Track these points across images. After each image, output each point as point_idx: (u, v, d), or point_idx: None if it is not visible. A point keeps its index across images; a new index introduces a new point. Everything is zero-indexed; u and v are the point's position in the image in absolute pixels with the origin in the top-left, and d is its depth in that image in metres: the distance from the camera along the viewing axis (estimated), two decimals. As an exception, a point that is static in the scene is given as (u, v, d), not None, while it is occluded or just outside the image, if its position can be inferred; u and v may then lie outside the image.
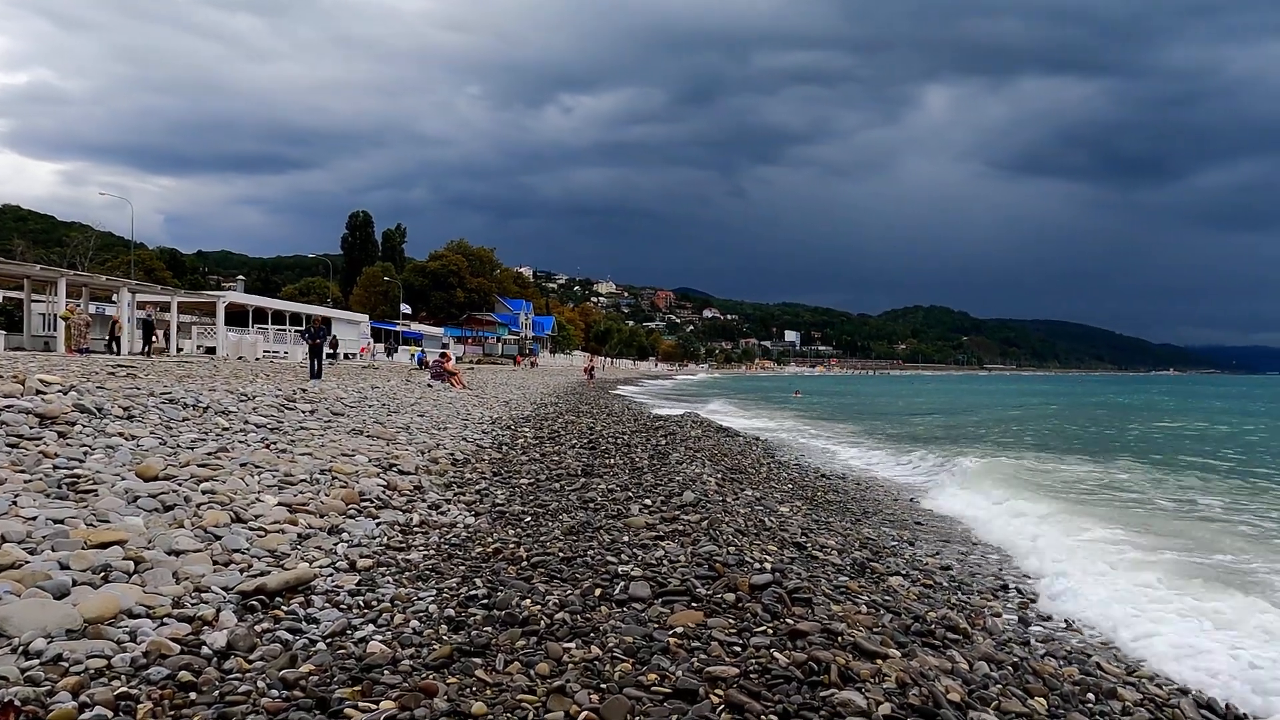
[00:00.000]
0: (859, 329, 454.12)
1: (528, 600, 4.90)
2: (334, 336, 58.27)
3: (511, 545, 6.54)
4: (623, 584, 5.19)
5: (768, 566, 5.68)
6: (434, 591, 5.31)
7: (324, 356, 25.82)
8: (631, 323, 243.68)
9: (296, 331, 49.46)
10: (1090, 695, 4.96)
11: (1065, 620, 7.12)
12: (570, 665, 3.94)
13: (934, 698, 3.50)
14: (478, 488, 9.59)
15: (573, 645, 4.19)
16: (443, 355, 33.73)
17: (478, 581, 5.48)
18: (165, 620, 4.36)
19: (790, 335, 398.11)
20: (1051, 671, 5.24)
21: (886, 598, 6.26)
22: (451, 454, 11.79)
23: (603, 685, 3.71)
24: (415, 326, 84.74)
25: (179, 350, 42.43)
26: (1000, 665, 5.02)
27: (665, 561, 5.76)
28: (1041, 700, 4.53)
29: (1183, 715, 5.04)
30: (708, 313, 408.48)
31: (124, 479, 6.74)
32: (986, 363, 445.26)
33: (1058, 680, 5.06)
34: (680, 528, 6.97)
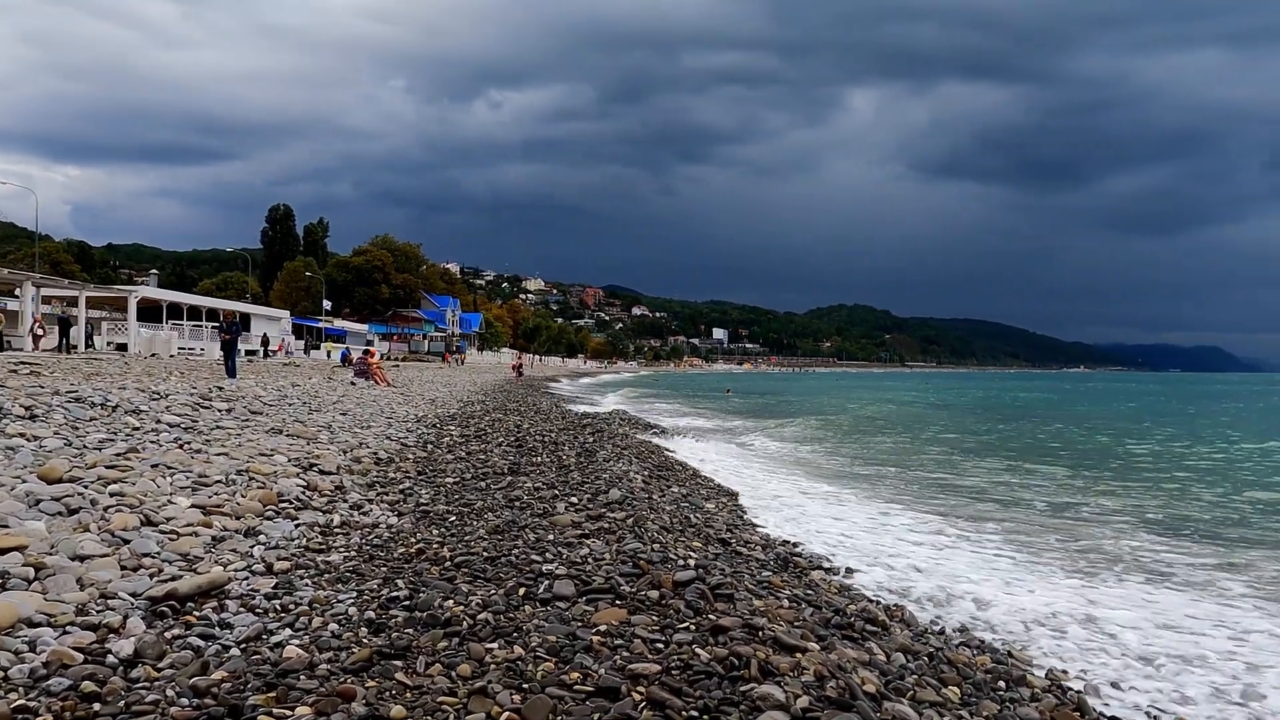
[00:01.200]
0: (785, 327, 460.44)
1: (450, 601, 4.85)
2: (265, 334, 56.76)
3: (435, 545, 6.46)
4: (547, 583, 5.17)
5: (692, 563, 5.72)
6: (354, 593, 5.21)
7: (239, 353, 25.03)
8: (560, 320, 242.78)
9: (212, 327, 48.01)
10: (1001, 683, 5.12)
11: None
12: (492, 666, 3.91)
13: (850, 689, 3.57)
14: (401, 487, 9.45)
15: (495, 645, 4.16)
16: (366, 352, 33.12)
17: (400, 583, 5.39)
18: (68, 629, 4.19)
19: (718, 333, 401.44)
20: (965, 661, 5.39)
21: (809, 592, 6.36)
22: (375, 453, 11.59)
23: (525, 685, 3.69)
24: (338, 323, 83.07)
25: (89, 347, 40.80)
26: (916, 656, 5.15)
27: (590, 559, 5.76)
28: (955, 689, 4.66)
29: (1087, 699, 5.24)
30: (636, 310, 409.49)
31: (25, 482, 6.46)
32: (908, 360, 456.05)
33: (971, 669, 5.21)
34: (606, 525, 6.98)
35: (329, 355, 60.85)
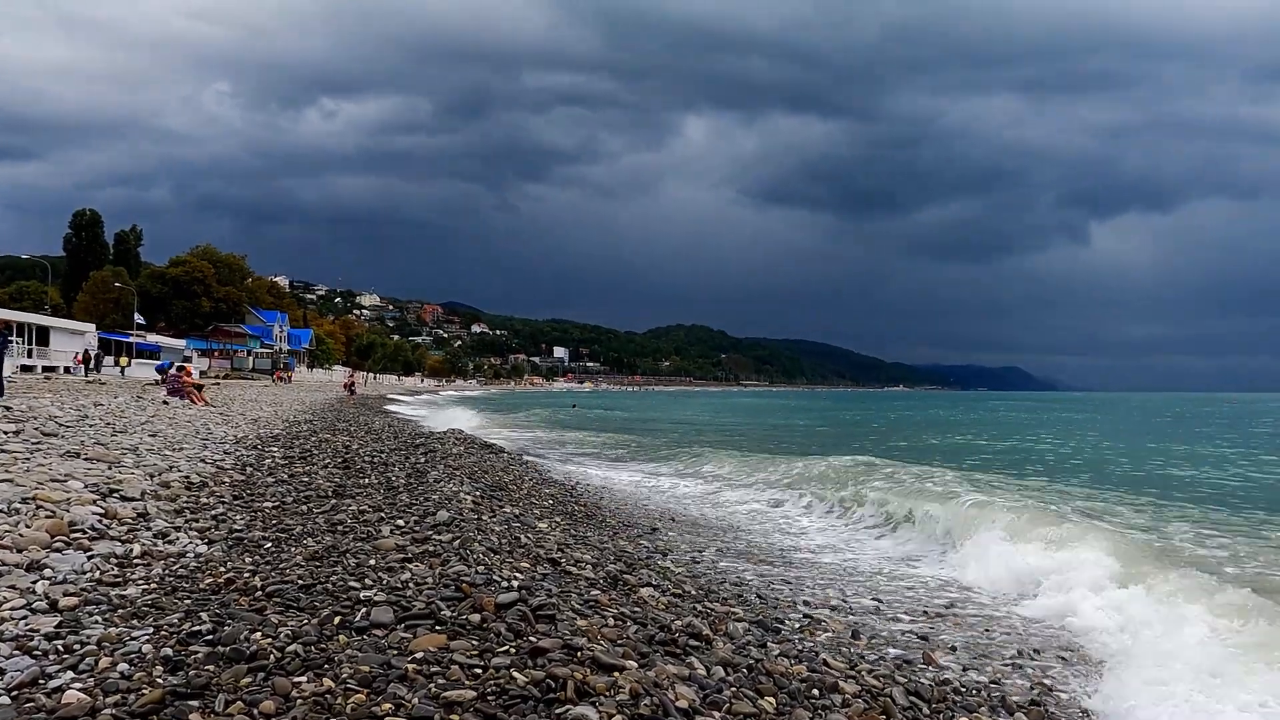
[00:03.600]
0: (625, 346, 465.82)
1: (258, 633, 4.59)
2: (99, 352, 52.21)
3: (246, 574, 6.11)
4: (365, 610, 4.98)
5: (515, 584, 5.66)
6: (151, 629, 4.85)
7: (1, 368, 22.40)
8: (397, 336, 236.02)
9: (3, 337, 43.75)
10: (816, 691, 5.33)
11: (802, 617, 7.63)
12: (299, 701, 3.73)
13: (664, 706, 3.62)
14: (214, 513, 8.90)
15: (304, 679, 3.97)
16: (181, 369, 31.07)
17: (203, 616, 5.06)
18: None
19: (559, 351, 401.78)
20: (783, 671, 5.57)
21: (636, 609, 6.41)
22: (186, 477, 10.87)
23: (332, 719, 3.54)
24: (152, 338, 77.69)
25: None
26: (736, 668, 5.29)
27: (412, 584, 5.60)
28: (771, 699, 4.80)
29: (893, 702, 5.53)
30: (476, 328, 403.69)
31: None
32: (742, 379, 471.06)
33: (788, 679, 5.39)
34: (431, 548, 6.81)
35: (123, 372, 56.20)
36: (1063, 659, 7.39)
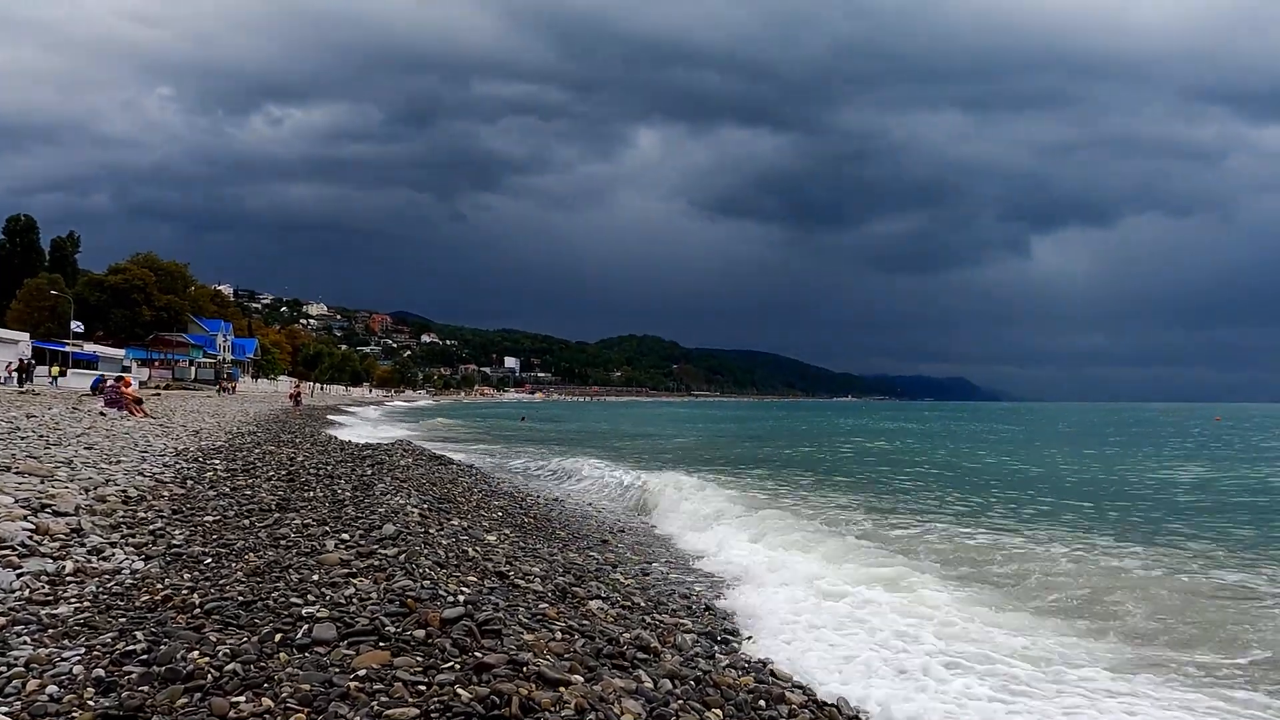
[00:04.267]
0: (577, 356, 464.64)
1: (195, 652, 4.48)
2: (31, 361, 50.53)
3: (185, 591, 5.96)
4: (306, 627, 4.90)
5: (462, 599, 5.61)
6: (83, 650, 4.70)
7: None
8: (345, 346, 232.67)
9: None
10: (762, 702, 5.35)
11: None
12: (237, 721, 3.65)
13: (609, 720, 3.62)
14: (152, 528, 8.66)
15: (242, 699, 3.88)
16: (119, 379, 30.26)
17: (138, 635, 4.92)
18: None
19: (510, 361, 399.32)
20: (730, 682, 5.59)
21: (584, 622, 6.39)
22: (123, 491, 10.58)
23: (271, 739, 3.47)
24: (90, 347, 75.63)
25: None
26: (684, 680, 5.30)
27: (356, 600, 5.51)
28: (718, 711, 4.82)
29: (839, 712, 5.58)
30: (426, 337, 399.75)
31: None
32: (694, 389, 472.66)
33: (734, 690, 5.41)
34: (376, 562, 6.72)
35: (55, 381, 54.38)
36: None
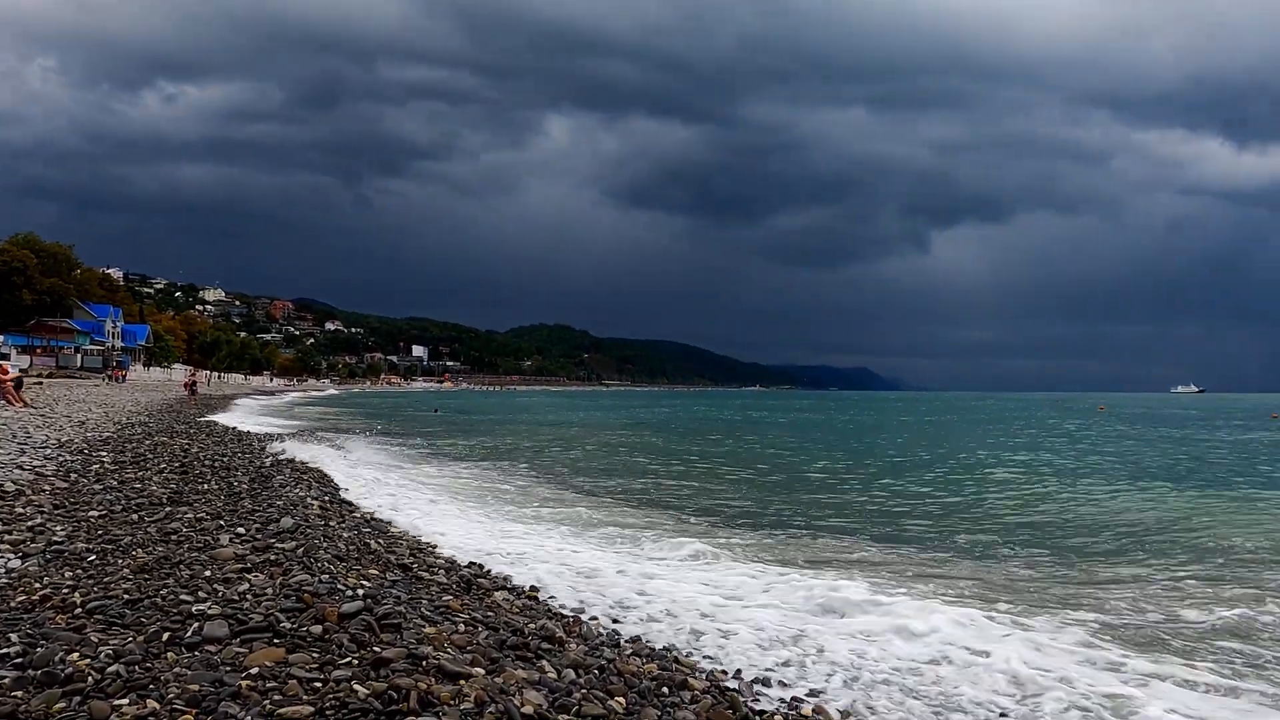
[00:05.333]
0: (487, 345, 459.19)
1: (75, 654, 4.28)
2: None
3: (65, 590, 5.69)
4: (197, 625, 4.73)
5: (361, 593, 5.50)
6: (-50, 655, 4.45)
7: None
8: (244, 334, 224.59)
9: None
10: (665, 689, 5.41)
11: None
12: (119, 725, 3.50)
13: (508, 713, 3.60)
14: (31, 524, 8.22)
15: (125, 701, 3.73)
16: (-3, 367, 28.57)
17: (13, 637, 4.68)
18: None
19: (418, 350, 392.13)
20: (634, 670, 5.63)
21: (488, 614, 6.35)
22: (-1, 485, 10.02)
23: (156, 743, 3.35)
24: (-37, 333, 71.27)
25: None
26: (588, 670, 5.31)
27: (250, 596, 5.35)
28: (621, 700, 4.85)
29: (740, 699, 5.68)
30: (330, 325, 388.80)
31: None
32: (605, 378, 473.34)
33: (638, 678, 5.45)
34: (273, 557, 6.54)
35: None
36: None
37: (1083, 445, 34.95)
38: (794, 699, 5.75)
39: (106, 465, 13.18)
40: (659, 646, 6.71)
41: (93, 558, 6.85)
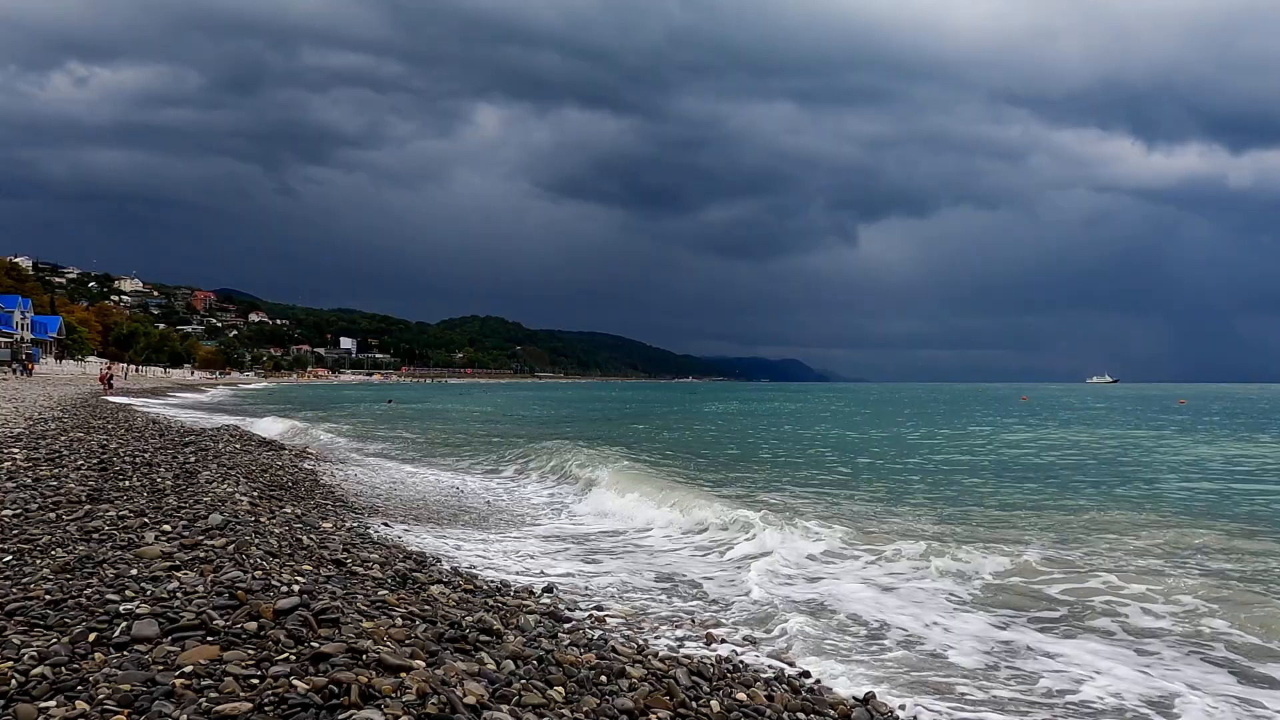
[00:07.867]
0: (418, 337, 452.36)
1: (-4, 658, 4.15)
2: None
3: (-20, 593, 5.49)
4: (125, 624, 4.62)
5: (297, 589, 5.43)
6: None
7: None
8: (163, 325, 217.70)
9: None
10: (604, 678, 5.46)
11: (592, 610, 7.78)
12: (48, 727, 3.41)
13: (451, 704, 3.61)
14: (-61, 525, 7.90)
15: (53, 704, 3.63)
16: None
17: (-73, 641, 4.51)
18: None
19: (346, 342, 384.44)
20: (573, 660, 5.67)
21: (425, 607, 6.32)
22: (-97, 485, 9.58)
23: (89, 744, 3.27)
24: None
25: None
26: (527, 661, 5.34)
27: (180, 594, 5.24)
28: (560, 689, 4.89)
29: (677, 683, 5.77)
30: (254, 316, 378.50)
31: None
32: (538, 371, 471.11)
33: (577, 668, 5.50)
34: (203, 554, 6.40)
35: None
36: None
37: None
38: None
39: (19, 462, 12.68)
40: (595, 636, 6.77)
41: (9, 558, 6.61)
